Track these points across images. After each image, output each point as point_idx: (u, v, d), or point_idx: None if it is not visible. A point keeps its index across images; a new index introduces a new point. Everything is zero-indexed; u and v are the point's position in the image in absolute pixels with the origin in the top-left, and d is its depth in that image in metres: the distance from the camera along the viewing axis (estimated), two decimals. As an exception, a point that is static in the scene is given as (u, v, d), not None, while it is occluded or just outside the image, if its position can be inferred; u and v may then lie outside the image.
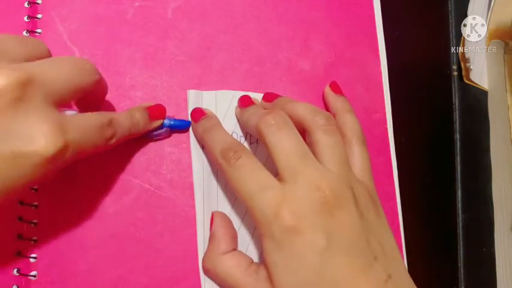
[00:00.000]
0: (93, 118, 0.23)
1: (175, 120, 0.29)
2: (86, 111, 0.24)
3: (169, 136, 0.29)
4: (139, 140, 0.29)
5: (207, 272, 0.27)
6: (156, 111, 0.28)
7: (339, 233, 0.23)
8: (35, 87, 0.20)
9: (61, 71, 0.22)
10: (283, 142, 0.25)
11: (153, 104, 0.29)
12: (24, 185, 0.20)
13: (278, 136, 0.25)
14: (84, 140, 0.22)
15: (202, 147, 0.29)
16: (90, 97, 0.25)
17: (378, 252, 0.24)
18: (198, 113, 0.29)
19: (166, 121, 0.29)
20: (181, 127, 0.29)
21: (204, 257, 0.28)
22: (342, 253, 0.23)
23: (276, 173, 0.25)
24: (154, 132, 0.29)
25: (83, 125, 0.22)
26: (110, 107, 0.29)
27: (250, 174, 0.25)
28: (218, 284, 0.27)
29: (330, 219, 0.23)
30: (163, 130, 0.29)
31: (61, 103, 0.22)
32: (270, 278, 0.24)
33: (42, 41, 0.24)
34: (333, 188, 0.24)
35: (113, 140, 0.25)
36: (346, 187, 0.24)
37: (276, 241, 0.23)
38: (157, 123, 0.28)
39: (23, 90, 0.19)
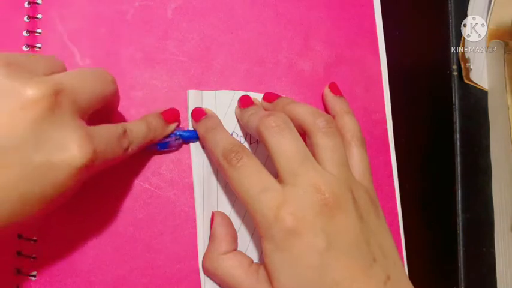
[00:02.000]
0: (111, 129, 0.24)
1: (185, 130, 0.29)
2: (100, 123, 0.24)
3: (180, 147, 0.29)
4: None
5: (207, 272, 0.27)
6: (171, 114, 0.29)
7: (339, 235, 0.23)
8: (65, 96, 0.21)
9: (86, 81, 0.23)
10: (284, 145, 0.25)
11: (166, 108, 0.29)
12: (58, 195, 0.21)
13: (279, 138, 0.25)
14: (107, 149, 0.23)
15: (203, 147, 0.29)
16: (106, 108, 0.25)
17: (377, 254, 0.24)
18: (199, 113, 0.29)
19: (177, 131, 0.29)
20: (191, 137, 0.29)
21: (204, 257, 0.28)
22: (341, 255, 0.23)
23: (276, 175, 0.25)
24: (165, 142, 0.28)
25: (105, 135, 0.23)
26: (120, 117, 0.29)
27: (251, 175, 0.25)
28: (218, 284, 0.27)
29: (330, 221, 0.23)
30: (173, 139, 0.28)
31: (86, 113, 0.22)
32: (270, 279, 0.24)
33: (55, 56, 0.24)
34: (333, 191, 0.24)
35: (129, 150, 0.25)
36: (346, 189, 0.24)
37: (276, 242, 0.23)
38: (173, 126, 0.28)
39: (55, 99, 0.20)
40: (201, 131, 0.28)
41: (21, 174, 0.19)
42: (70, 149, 0.20)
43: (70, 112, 0.21)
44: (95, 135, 0.22)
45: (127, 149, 0.25)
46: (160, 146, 0.28)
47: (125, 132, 0.25)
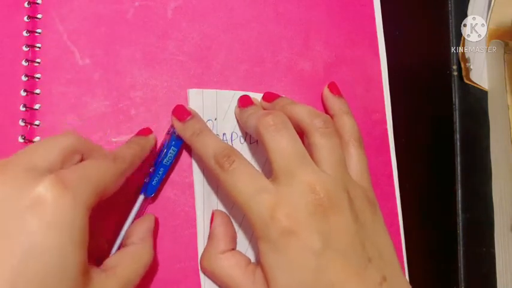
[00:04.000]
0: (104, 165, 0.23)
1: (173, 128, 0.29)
2: None
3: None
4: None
5: (205, 271, 0.27)
6: (141, 130, 0.28)
7: (334, 235, 0.23)
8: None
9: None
10: (281, 143, 0.25)
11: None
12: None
13: (276, 137, 0.25)
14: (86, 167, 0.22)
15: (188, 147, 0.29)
16: None
17: (372, 254, 0.24)
18: (183, 112, 0.28)
19: (171, 131, 0.28)
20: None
21: (202, 256, 0.28)
22: (337, 255, 0.23)
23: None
24: (176, 141, 0.28)
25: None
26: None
27: (245, 178, 0.24)
28: (216, 283, 0.27)
29: (324, 221, 0.23)
30: (175, 135, 0.28)
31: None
32: (266, 280, 0.24)
33: (72, 133, 0.23)
34: (328, 191, 0.24)
35: (119, 160, 0.24)
36: (342, 190, 0.24)
37: (272, 243, 0.23)
38: (152, 135, 0.28)
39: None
40: (187, 134, 0.28)
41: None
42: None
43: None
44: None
45: (115, 158, 0.24)
46: (176, 144, 0.28)
47: (116, 155, 0.24)
